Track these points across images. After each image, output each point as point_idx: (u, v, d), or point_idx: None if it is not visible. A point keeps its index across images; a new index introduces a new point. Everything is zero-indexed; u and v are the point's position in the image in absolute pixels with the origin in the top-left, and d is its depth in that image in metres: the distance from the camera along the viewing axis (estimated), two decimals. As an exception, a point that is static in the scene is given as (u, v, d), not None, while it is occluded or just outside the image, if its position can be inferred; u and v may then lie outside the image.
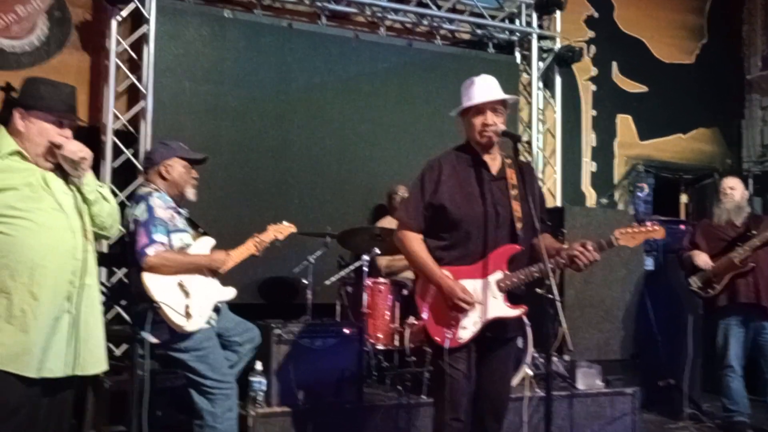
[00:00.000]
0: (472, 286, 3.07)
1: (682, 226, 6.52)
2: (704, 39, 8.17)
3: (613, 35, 7.68)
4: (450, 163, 3.19)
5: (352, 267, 4.98)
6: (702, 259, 5.25)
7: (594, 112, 7.58)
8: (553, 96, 7.10)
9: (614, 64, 7.68)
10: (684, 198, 8.38)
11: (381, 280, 4.93)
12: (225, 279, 3.63)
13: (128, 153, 5.46)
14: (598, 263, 5.70)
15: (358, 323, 4.56)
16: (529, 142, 2.91)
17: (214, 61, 5.75)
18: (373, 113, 6.29)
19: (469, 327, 3.06)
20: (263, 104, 5.90)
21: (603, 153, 7.63)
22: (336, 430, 4.12)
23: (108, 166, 5.34)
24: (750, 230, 5.16)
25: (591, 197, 7.56)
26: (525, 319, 4.68)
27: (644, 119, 7.78)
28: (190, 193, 3.68)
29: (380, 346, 4.78)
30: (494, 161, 3.20)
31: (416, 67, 6.46)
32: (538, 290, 2.65)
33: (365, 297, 4.75)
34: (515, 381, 4.67)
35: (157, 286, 3.29)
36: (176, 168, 3.64)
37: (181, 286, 3.35)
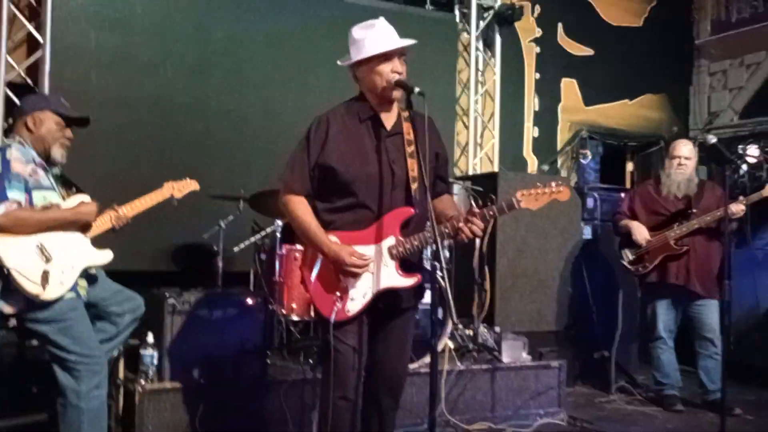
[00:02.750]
0: (364, 253, 2.78)
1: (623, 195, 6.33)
2: (653, 1, 7.91)
3: (560, -6, 7.37)
4: (339, 118, 2.88)
5: (263, 233, 4.66)
6: (640, 233, 5.03)
7: (537, 75, 7.30)
8: (493, 56, 6.80)
9: (560, 26, 7.39)
10: (630, 166, 8.19)
11: (298, 246, 4.61)
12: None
13: (25, 107, 5.01)
14: (533, 231, 5.66)
15: (264, 293, 4.26)
16: (422, 94, 2.60)
17: (123, 9, 5.32)
18: (301, 70, 5.92)
19: (357, 298, 2.78)
20: (178, 56, 5.49)
21: (546, 118, 7.37)
22: (234, 407, 3.84)
23: (0, 121, 4.90)
24: (691, 207, 4.97)
25: (533, 164, 7.31)
26: (449, 290, 4.48)
27: (590, 84, 7.53)
28: (58, 154, 3.24)
29: (295, 317, 4.47)
30: (390, 115, 2.89)
31: (348, 23, 5.91)
32: (426, 258, 2.40)
33: (277, 265, 4.46)
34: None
35: (9, 249, 2.90)
36: (46, 123, 3.23)
37: (41, 249, 2.98)
